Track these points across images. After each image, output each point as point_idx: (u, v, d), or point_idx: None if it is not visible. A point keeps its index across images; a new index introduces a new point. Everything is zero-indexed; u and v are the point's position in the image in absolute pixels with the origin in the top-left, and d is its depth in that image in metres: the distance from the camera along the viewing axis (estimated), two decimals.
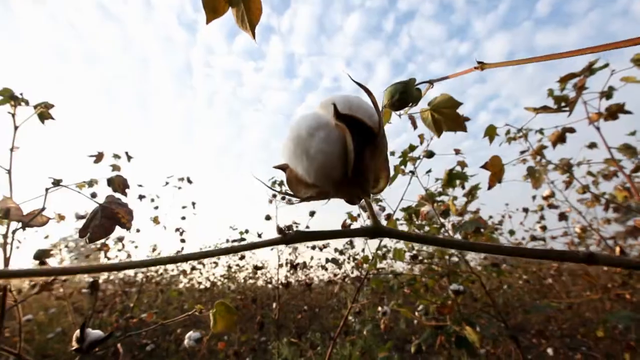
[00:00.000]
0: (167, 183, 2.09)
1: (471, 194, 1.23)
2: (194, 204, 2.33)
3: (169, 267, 3.02)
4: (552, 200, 1.59)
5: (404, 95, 0.41)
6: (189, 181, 2.12)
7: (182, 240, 2.37)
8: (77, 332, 0.52)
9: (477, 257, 2.44)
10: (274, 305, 1.81)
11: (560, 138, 1.07)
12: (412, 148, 1.15)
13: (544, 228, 1.68)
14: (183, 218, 2.34)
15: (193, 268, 3.05)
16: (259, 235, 1.95)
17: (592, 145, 1.23)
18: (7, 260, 0.57)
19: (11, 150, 0.63)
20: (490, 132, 0.80)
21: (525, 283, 2.20)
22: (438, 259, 1.34)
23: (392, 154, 1.21)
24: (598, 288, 1.60)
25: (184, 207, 2.32)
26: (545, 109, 0.64)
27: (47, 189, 0.62)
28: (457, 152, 1.20)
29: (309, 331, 2.24)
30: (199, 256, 0.18)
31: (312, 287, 2.40)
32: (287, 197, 1.54)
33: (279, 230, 0.18)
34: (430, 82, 0.43)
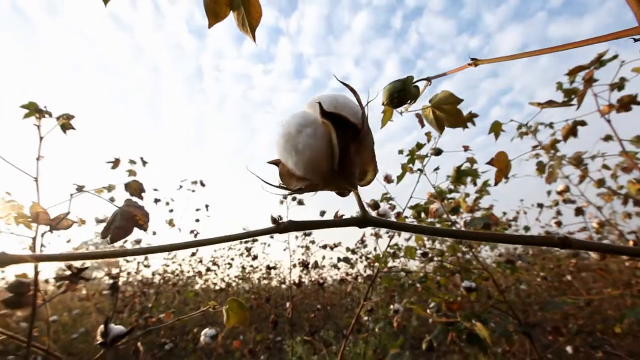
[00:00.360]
0: (180, 187, 2.14)
1: (481, 191, 1.22)
2: (207, 206, 2.39)
3: (185, 268, 3.10)
4: (568, 195, 1.55)
5: (402, 93, 0.42)
6: (202, 184, 2.17)
7: None
8: (102, 327, 0.57)
9: (492, 254, 2.40)
10: (288, 304, 1.83)
11: (571, 131, 1.05)
12: (419, 146, 1.15)
13: (559, 224, 1.64)
14: (197, 220, 2.40)
15: (208, 269, 3.11)
16: (271, 237, 1.98)
17: (608, 138, 1.20)
18: None
19: (37, 159, 0.67)
20: (496, 129, 0.79)
21: (543, 280, 2.15)
22: (450, 256, 1.34)
23: (401, 152, 1.21)
24: (619, 284, 1.55)
25: (197, 210, 2.38)
26: (550, 103, 0.63)
27: (71, 195, 0.67)
28: (466, 148, 1.19)
29: (322, 330, 2.25)
30: (199, 244, 0.20)
31: (325, 287, 2.41)
32: (296, 198, 1.56)
33: (273, 220, 0.20)
34: (428, 80, 0.44)
